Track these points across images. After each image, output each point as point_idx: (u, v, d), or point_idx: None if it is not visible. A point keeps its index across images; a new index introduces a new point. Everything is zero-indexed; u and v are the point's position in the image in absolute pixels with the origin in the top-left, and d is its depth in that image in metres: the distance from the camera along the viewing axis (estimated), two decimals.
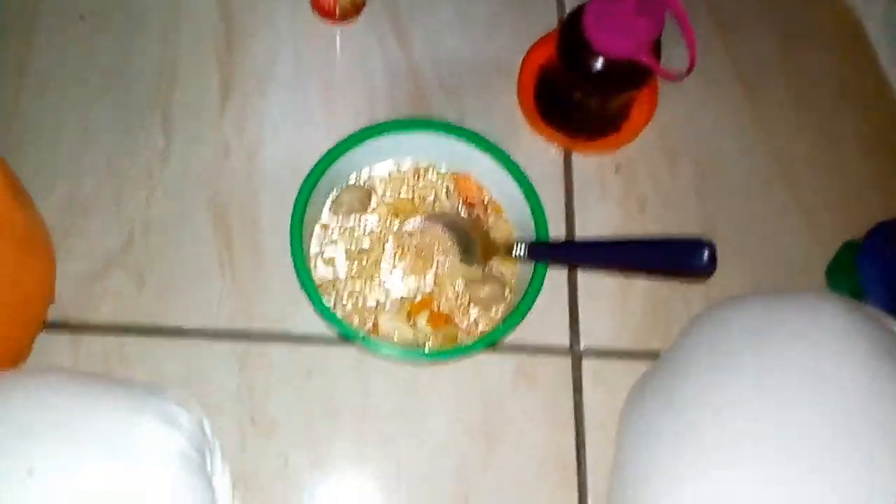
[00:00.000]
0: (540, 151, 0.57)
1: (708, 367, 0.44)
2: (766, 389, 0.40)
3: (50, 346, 0.49)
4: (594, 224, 0.56)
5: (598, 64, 0.51)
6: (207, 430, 0.42)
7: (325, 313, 0.47)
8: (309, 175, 0.49)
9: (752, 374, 0.41)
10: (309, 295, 0.47)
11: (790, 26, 0.65)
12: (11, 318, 0.43)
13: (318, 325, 0.50)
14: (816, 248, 0.57)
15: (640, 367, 0.51)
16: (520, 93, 0.59)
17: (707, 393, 0.42)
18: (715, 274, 0.45)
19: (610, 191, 0.57)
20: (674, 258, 0.45)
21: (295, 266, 0.47)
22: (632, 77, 0.52)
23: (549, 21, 0.62)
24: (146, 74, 0.56)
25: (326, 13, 0.58)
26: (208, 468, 0.40)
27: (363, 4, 0.59)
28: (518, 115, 0.58)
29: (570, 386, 0.52)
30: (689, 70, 0.51)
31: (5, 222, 0.41)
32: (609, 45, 0.50)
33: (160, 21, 0.58)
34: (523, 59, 0.60)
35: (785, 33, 0.64)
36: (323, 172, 0.49)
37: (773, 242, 0.57)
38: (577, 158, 0.58)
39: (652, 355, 0.52)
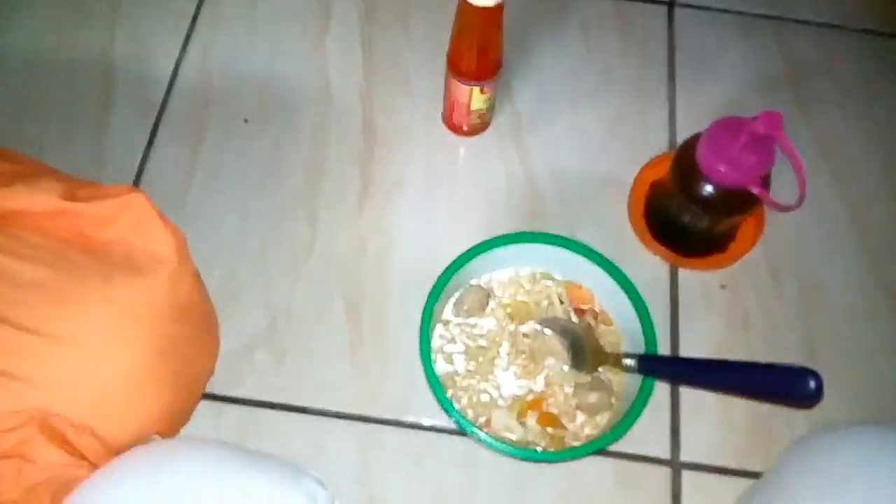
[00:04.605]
0: (647, 265, 0.61)
1: (814, 493, 0.44)
2: None
3: (196, 413, 0.54)
4: (698, 338, 0.58)
5: (709, 190, 0.55)
6: None
7: (446, 406, 0.51)
8: (438, 280, 0.54)
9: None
10: (432, 388, 0.51)
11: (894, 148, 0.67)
12: (186, 390, 0.49)
13: (432, 415, 0.54)
14: None
15: (740, 483, 0.52)
16: (630, 208, 0.63)
17: None
18: None
19: (714, 308, 0.60)
20: (780, 386, 0.48)
21: (422, 362, 0.52)
22: (741, 204, 0.56)
23: (660, 139, 0.66)
24: (297, 172, 0.63)
25: (456, 128, 0.64)
26: None
27: (490, 121, 0.65)
28: (627, 228, 0.62)
29: (670, 496, 0.53)
30: (799, 203, 0.54)
31: (191, 307, 0.48)
32: (721, 175, 0.53)
33: (312, 124, 0.65)
34: (635, 177, 0.64)
35: (890, 155, 0.66)
36: (450, 278, 0.54)
37: (877, 368, 0.58)
38: (684, 274, 0.61)
39: (752, 474, 0.53)
